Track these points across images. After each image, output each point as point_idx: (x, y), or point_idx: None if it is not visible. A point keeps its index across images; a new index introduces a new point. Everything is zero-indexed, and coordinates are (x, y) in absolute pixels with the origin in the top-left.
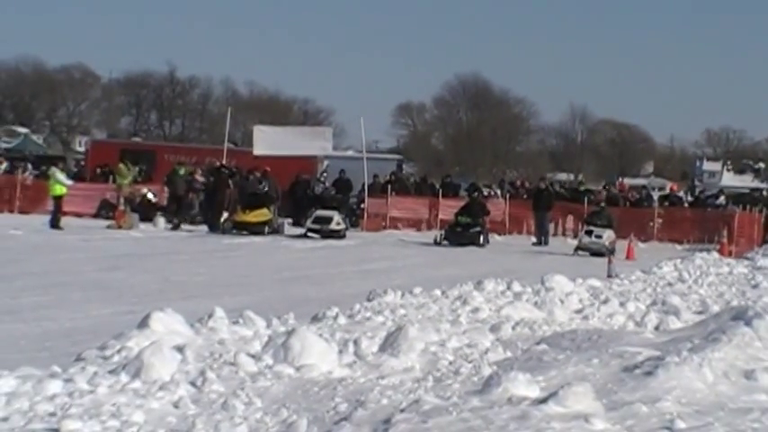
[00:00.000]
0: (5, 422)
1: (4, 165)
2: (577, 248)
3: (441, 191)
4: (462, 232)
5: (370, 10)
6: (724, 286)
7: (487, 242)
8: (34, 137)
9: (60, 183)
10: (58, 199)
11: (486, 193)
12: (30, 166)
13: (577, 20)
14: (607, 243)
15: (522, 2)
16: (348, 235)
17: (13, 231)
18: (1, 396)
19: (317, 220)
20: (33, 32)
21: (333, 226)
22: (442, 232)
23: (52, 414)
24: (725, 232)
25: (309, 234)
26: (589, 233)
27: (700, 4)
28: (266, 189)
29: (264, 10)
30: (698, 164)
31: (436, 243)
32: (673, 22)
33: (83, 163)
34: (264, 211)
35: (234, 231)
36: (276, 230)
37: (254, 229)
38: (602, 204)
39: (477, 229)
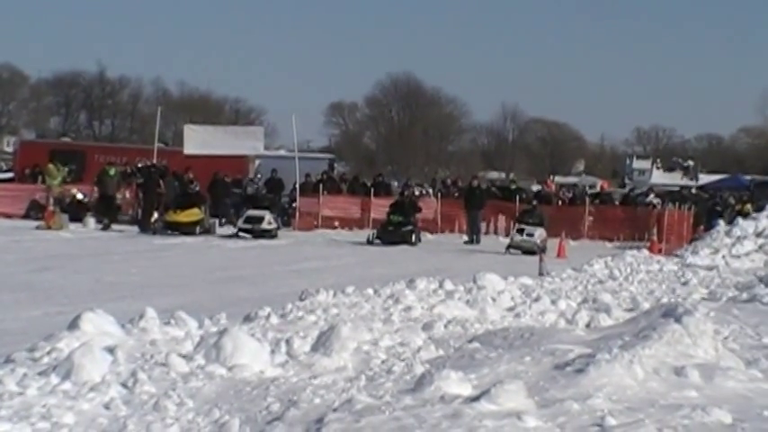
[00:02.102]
0: None
1: None
2: (509, 247)
3: (373, 190)
4: (394, 231)
5: (301, 8)
6: (654, 283)
7: (419, 240)
8: None
9: None
10: None
11: (417, 192)
12: None
13: (508, 19)
14: (538, 241)
15: (453, 1)
16: (280, 234)
17: None
18: None
19: (249, 219)
20: None
21: (264, 225)
22: (375, 231)
23: None
24: (655, 230)
25: (241, 234)
26: (521, 231)
27: (628, 4)
28: (197, 189)
29: (195, 9)
30: (628, 162)
31: (369, 242)
32: (602, 21)
33: (11, 163)
34: (195, 210)
35: (166, 232)
36: (208, 230)
37: (186, 229)
38: (534, 203)
39: (410, 227)
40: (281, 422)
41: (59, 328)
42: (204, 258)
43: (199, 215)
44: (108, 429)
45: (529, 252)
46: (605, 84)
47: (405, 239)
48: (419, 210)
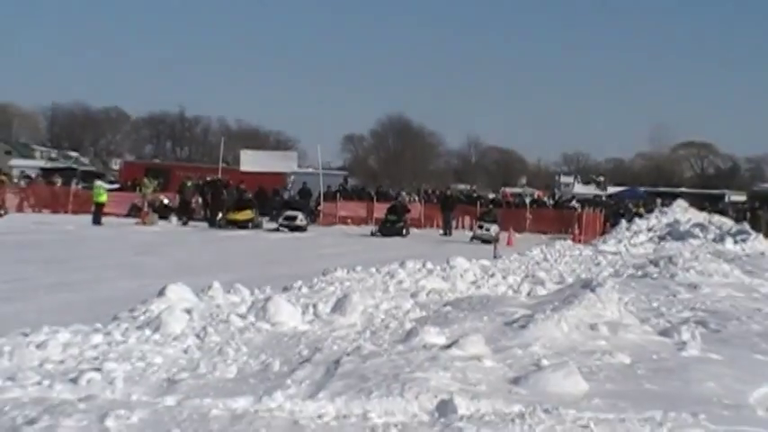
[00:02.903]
0: (62, 364)
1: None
2: (473, 238)
3: (375, 197)
4: (390, 227)
5: (323, 64)
6: (575, 264)
7: (408, 233)
8: (83, 159)
9: (103, 191)
10: (100, 204)
11: (408, 199)
12: (75, 180)
13: (472, 69)
14: (494, 233)
15: (433, 57)
16: (309, 229)
17: (67, 227)
18: (58, 345)
19: (287, 218)
20: (83, 81)
21: (298, 222)
22: (376, 227)
23: (96, 358)
24: (576, 226)
25: (281, 228)
26: (481, 227)
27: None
28: (249, 196)
29: (250, 66)
30: (557, 178)
31: (372, 235)
32: (538, 70)
33: (118, 177)
34: (248, 212)
35: (227, 227)
36: (257, 226)
37: (241, 225)
38: (491, 206)
39: (401, 224)
40: (309, 363)
41: (151, 295)
42: (254, 246)
43: (250, 215)
44: (186, 367)
45: (486, 242)
46: (541, 119)
47: (398, 233)
48: (408, 211)
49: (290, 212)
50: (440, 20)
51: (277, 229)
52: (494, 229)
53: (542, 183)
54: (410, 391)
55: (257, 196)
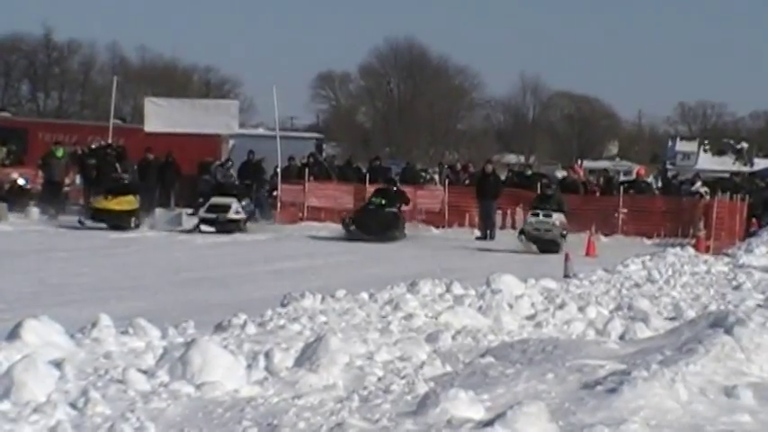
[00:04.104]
0: None
1: None
2: (521, 234)
3: (368, 176)
4: (375, 211)
5: None
6: (701, 287)
7: (403, 230)
8: None
9: None
10: None
11: (421, 179)
12: None
13: None
14: (557, 230)
15: None
16: (258, 228)
17: None
18: None
19: (213, 208)
20: None
21: (231, 215)
22: (350, 218)
23: None
24: (702, 224)
25: (202, 226)
26: (536, 215)
27: None
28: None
29: None
30: (670, 144)
31: (345, 228)
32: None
33: None
34: (129, 198)
35: (92, 220)
36: (137, 225)
37: (116, 220)
38: (553, 188)
39: (393, 212)
40: None
41: None
42: (168, 256)
43: (132, 204)
44: None
45: (546, 245)
46: (643, 53)
47: (387, 223)
48: (407, 201)
49: (217, 200)
50: None
51: (197, 228)
52: (556, 220)
53: (646, 152)
54: None
55: (164, 173)
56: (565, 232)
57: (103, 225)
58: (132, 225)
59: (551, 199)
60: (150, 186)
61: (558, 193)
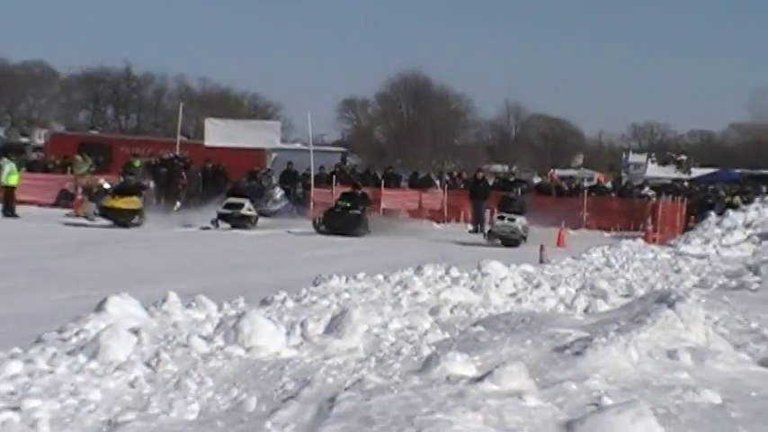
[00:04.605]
0: None
1: None
2: (488, 234)
3: (383, 181)
4: (341, 214)
5: (315, 7)
6: (648, 271)
7: (367, 229)
8: None
9: (14, 170)
10: (10, 188)
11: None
12: None
13: (512, 18)
14: (520, 228)
15: (461, 1)
16: (296, 224)
17: None
18: None
19: (229, 206)
20: None
21: (244, 212)
22: (320, 218)
23: (12, 393)
24: (649, 221)
25: (219, 222)
26: (501, 218)
27: (624, 5)
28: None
29: (216, 8)
30: (624, 156)
31: (315, 228)
32: (601, 20)
33: (42, 155)
34: (134, 199)
35: (100, 217)
36: (140, 223)
37: (122, 217)
38: (515, 191)
39: (357, 213)
40: (295, 400)
41: (87, 310)
42: (223, 246)
43: (136, 204)
44: (132, 406)
45: (509, 241)
46: (603, 81)
47: (351, 223)
48: (369, 203)
49: (232, 200)
50: None
51: (215, 223)
52: (519, 221)
53: (605, 163)
54: None
55: (216, 178)
56: (525, 233)
57: (134, 222)
58: (135, 222)
59: (514, 203)
60: (209, 189)
61: (521, 197)
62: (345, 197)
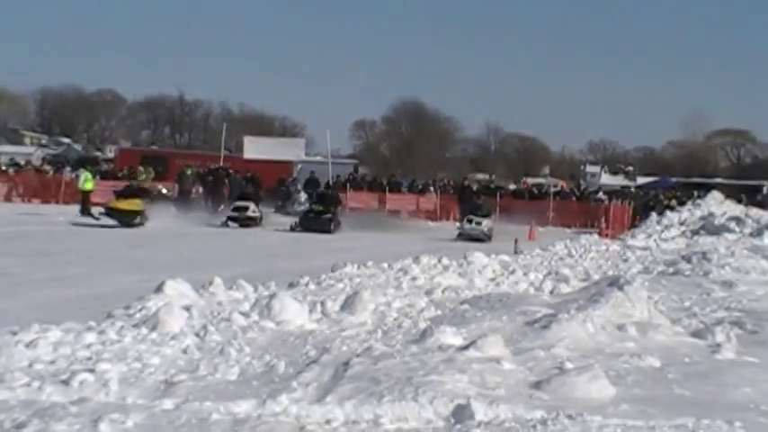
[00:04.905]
0: (53, 364)
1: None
2: (459, 235)
3: (387, 187)
4: (314, 218)
5: (330, 46)
6: (602, 260)
7: (336, 229)
8: (75, 146)
9: (89, 178)
10: (87, 192)
11: (421, 188)
12: (68, 168)
13: (492, 52)
14: (485, 230)
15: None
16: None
17: (58, 218)
18: (49, 344)
19: (236, 209)
20: (74, 64)
21: (249, 213)
22: (296, 220)
23: (89, 358)
24: (603, 219)
25: (229, 223)
26: (470, 221)
27: (583, 47)
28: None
29: (253, 47)
30: (582, 167)
31: (291, 229)
32: (564, 56)
33: (112, 165)
34: (137, 201)
35: (105, 216)
36: (141, 223)
37: (125, 217)
38: (482, 197)
39: (328, 216)
40: (316, 364)
41: (148, 291)
42: (258, 240)
43: (138, 206)
44: (184, 369)
45: (477, 240)
46: (565, 105)
47: (323, 227)
48: (339, 203)
49: (239, 203)
50: None
51: (225, 224)
52: (485, 224)
53: (567, 172)
54: (424, 395)
55: (254, 186)
56: (490, 233)
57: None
58: (137, 222)
59: (481, 207)
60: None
61: (486, 202)
62: (319, 200)
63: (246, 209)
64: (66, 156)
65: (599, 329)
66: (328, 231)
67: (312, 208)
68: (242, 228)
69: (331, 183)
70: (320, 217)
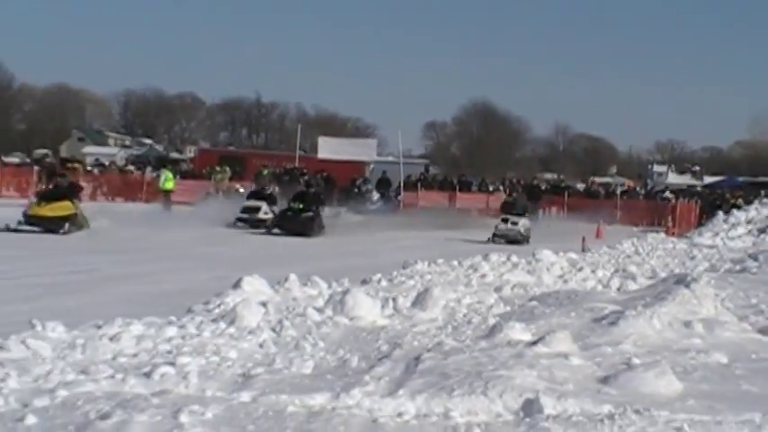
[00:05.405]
0: (135, 357)
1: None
2: (493, 236)
3: (457, 186)
4: (292, 217)
5: (402, 49)
6: (669, 258)
7: (321, 229)
8: (157, 146)
9: (170, 177)
10: (168, 191)
11: (491, 188)
12: (150, 168)
13: (561, 53)
14: (522, 230)
15: (519, 39)
16: (388, 221)
17: (141, 216)
18: (132, 338)
19: (246, 210)
20: (155, 68)
21: (261, 215)
22: (274, 219)
23: (169, 352)
24: (670, 218)
25: (238, 224)
26: (505, 221)
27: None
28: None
29: (326, 52)
30: (650, 167)
31: (267, 231)
32: (631, 56)
33: (192, 165)
34: (65, 204)
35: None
36: (74, 226)
37: (50, 224)
38: (516, 193)
39: (309, 215)
40: (388, 359)
41: (226, 287)
42: (332, 238)
43: (68, 209)
44: (261, 362)
45: (513, 242)
46: (633, 106)
47: (303, 227)
48: (322, 203)
49: (249, 203)
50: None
51: (235, 224)
52: (522, 223)
53: (634, 172)
54: (494, 389)
55: (328, 186)
56: (528, 233)
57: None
58: (65, 230)
59: (516, 205)
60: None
61: (523, 200)
62: (298, 198)
63: (258, 210)
64: (148, 156)
65: (666, 326)
66: (308, 234)
67: (290, 206)
68: (252, 229)
69: (402, 182)
70: (299, 216)
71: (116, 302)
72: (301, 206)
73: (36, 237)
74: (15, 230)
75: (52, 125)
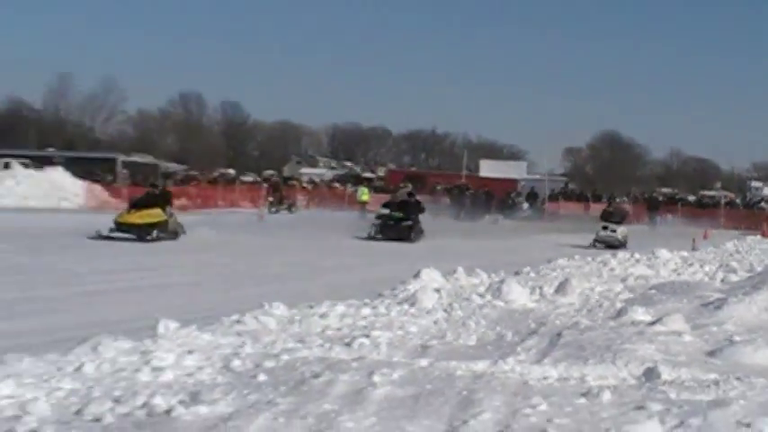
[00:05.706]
0: (339, 331)
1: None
2: (595, 242)
3: (591, 198)
4: (393, 226)
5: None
6: (764, 256)
7: (420, 236)
8: (356, 168)
9: (366, 192)
10: (363, 203)
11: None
12: (350, 184)
13: (677, 90)
14: (620, 237)
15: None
16: (534, 226)
17: (341, 222)
18: (337, 316)
19: (381, 216)
20: (355, 105)
21: (403, 224)
22: (376, 226)
23: (365, 327)
24: (765, 224)
25: (375, 234)
26: (605, 228)
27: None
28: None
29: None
30: (748, 182)
31: (369, 237)
32: (729, 85)
33: (383, 183)
34: (156, 211)
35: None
36: (168, 233)
37: (140, 231)
38: (614, 204)
39: (409, 223)
40: (536, 334)
41: (408, 277)
42: (492, 239)
43: (158, 217)
44: (435, 336)
45: (612, 246)
46: (734, 130)
47: (402, 235)
48: (422, 210)
49: (386, 211)
50: (649, 39)
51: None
52: (620, 231)
53: (735, 187)
54: (620, 359)
55: (488, 197)
56: (625, 240)
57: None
58: (153, 236)
59: (613, 215)
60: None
61: (620, 209)
62: (400, 207)
63: (402, 219)
64: (349, 175)
65: (762, 310)
66: (406, 240)
67: (391, 215)
68: (388, 240)
69: (547, 195)
70: (399, 224)
71: (325, 288)
72: (401, 216)
73: (250, 238)
74: (107, 237)
75: (277, 152)
